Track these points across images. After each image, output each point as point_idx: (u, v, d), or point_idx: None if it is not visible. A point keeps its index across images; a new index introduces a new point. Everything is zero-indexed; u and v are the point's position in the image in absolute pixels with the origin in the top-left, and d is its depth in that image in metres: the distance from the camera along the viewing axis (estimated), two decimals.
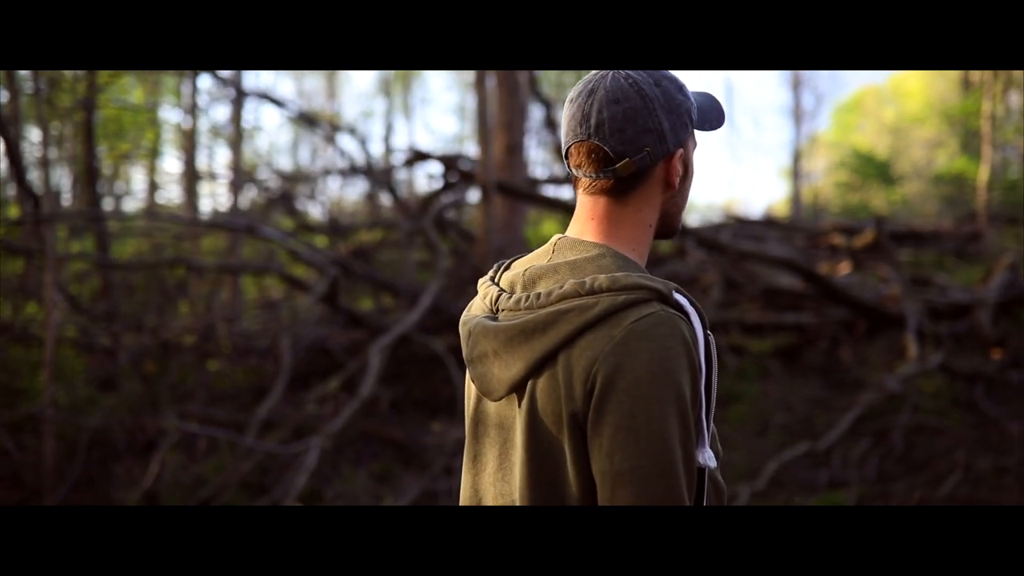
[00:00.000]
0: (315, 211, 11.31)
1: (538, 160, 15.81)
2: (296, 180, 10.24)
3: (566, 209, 9.17)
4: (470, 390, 1.48)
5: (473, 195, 9.74)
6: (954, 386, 7.46)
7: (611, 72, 1.35)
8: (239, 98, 9.06)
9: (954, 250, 12.98)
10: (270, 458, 6.01)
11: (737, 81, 62.12)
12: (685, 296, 1.26)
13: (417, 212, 8.40)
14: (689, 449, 1.19)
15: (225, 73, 8.56)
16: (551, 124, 10.16)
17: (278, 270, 7.40)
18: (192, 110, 10.45)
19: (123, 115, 9.14)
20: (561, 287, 1.26)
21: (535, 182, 10.31)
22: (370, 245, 8.85)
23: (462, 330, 1.39)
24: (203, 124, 10.94)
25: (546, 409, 1.24)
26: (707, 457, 1.23)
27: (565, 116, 1.39)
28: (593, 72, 1.38)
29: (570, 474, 1.23)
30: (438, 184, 9.06)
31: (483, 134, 7.68)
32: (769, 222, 14.68)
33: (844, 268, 9.51)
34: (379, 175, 8.87)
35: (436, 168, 10.29)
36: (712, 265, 8.35)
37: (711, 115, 1.43)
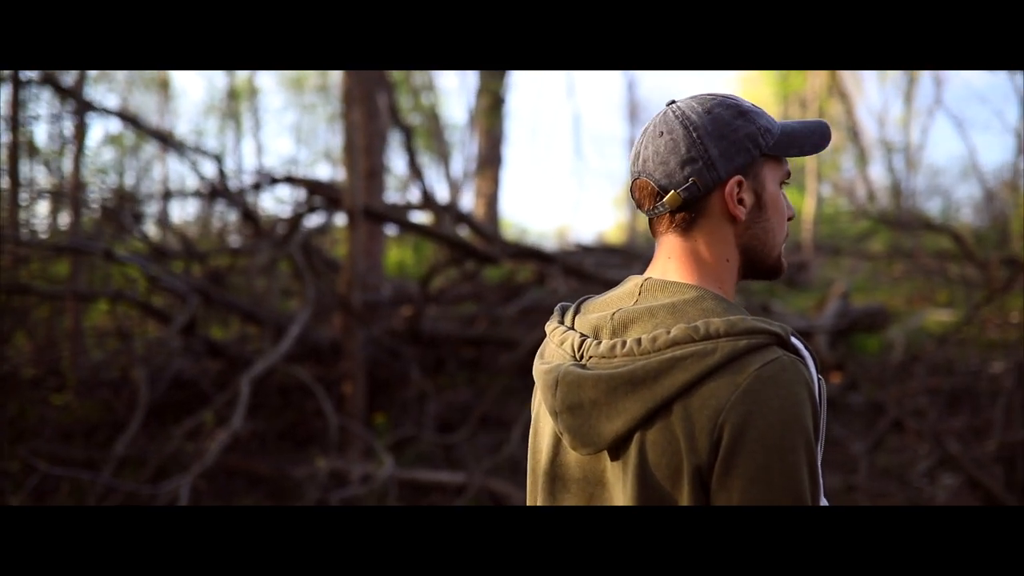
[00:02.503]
0: (154, 234, 10.73)
1: (391, 185, 15.65)
2: (138, 201, 9.69)
3: (428, 235, 9.12)
4: (540, 442, 1.40)
5: (325, 220, 9.53)
6: None
7: (669, 106, 1.34)
8: (79, 110, 8.50)
9: (784, 279, 13.76)
10: (129, 498, 5.62)
11: (584, 111, 64.37)
12: (799, 339, 1.22)
13: (281, 237, 8.11)
14: (816, 497, 1.15)
15: (59, 82, 7.99)
16: (410, 149, 10.09)
17: (133, 297, 6.96)
18: (12, 122, 9.69)
19: None
20: (668, 332, 1.19)
21: (394, 207, 10.19)
22: (224, 270, 8.47)
23: (545, 378, 1.30)
24: (29, 137, 10.15)
25: (659, 463, 1.16)
26: (824, 504, 1.21)
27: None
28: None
29: None
30: (295, 208, 8.77)
31: (349, 158, 7.50)
32: (613, 249, 15.05)
33: None
34: (235, 197, 8.51)
35: (289, 190, 10.02)
36: (583, 293, 8.47)
37: (799, 139, 1.35)
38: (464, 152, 18.05)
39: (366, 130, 9.14)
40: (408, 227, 9.20)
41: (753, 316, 1.20)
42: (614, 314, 1.29)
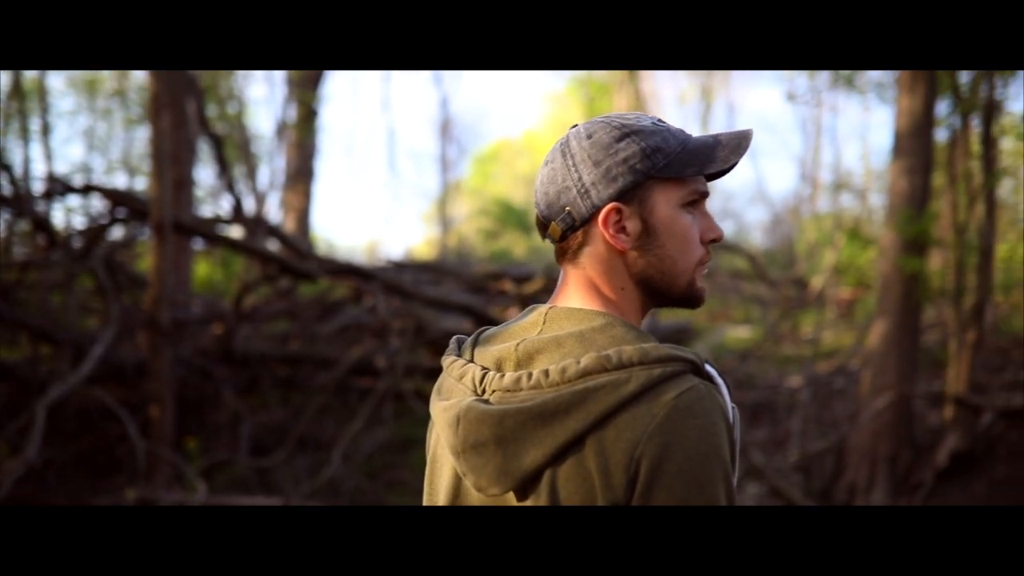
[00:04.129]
0: None
1: (202, 198, 14.96)
2: None
3: (243, 250, 8.78)
4: (438, 483, 1.31)
5: (128, 232, 8.99)
6: None
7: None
8: None
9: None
10: None
11: (399, 126, 64.20)
12: (712, 366, 1.18)
13: (80, 251, 7.54)
14: None
15: None
16: (221, 160, 9.66)
17: None
18: None
19: None
20: (578, 362, 1.12)
21: (204, 220, 9.73)
22: (11, 285, 7.76)
23: (444, 416, 1.21)
24: None
25: (572, 501, 1.10)
26: None
27: None
28: None
29: None
30: (97, 219, 8.19)
31: (157, 167, 7.09)
32: (425, 265, 14.97)
33: (512, 312, 10.01)
34: (24, 205, 7.85)
35: (83, 200, 9.37)
36: (401, 311, 8.37)
37: (702, 156, 1.26)
38: (272, 165, 17.54)
39: (174, 138, 8.70)
40: (220, 241, 8.80)
41: (668, 344, 1.16)
42: (518, 345, 1.22)
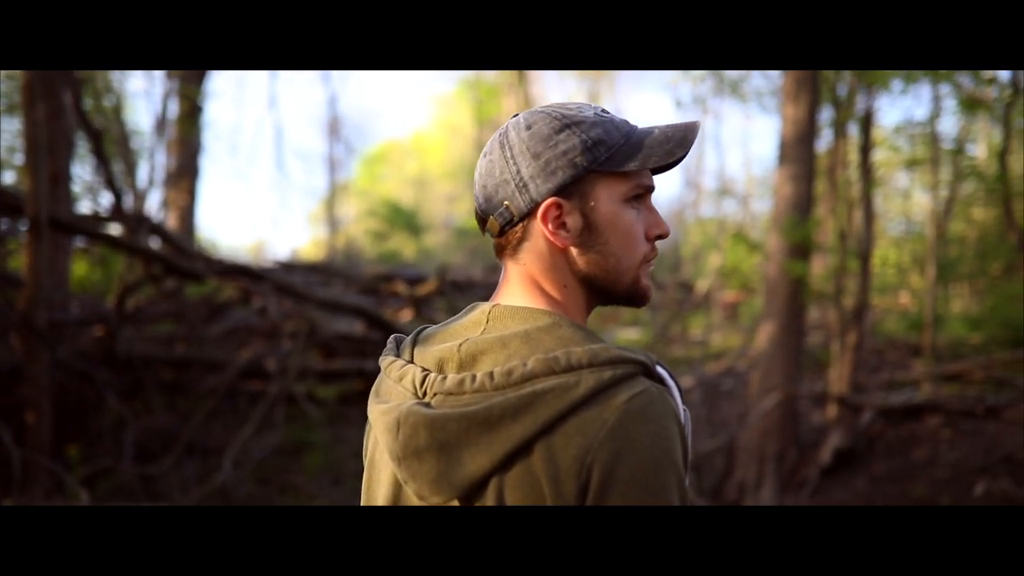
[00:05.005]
0: None
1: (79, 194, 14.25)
2: None
3: (128, 249, 8.43)
4: (376, 490, 1.26)
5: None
6: None
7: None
8: None
9: (485, 296, 14.15)
10: None
11: (287, 124, 62.75)
12: (664, 367, 1.15)
13: None
14: None
15: None
16: (99, 153, 9.24)
17: None
18: None
19: None
20: (525, 364, 1.08)
21: (83, 217, 9.29)
22: None
23: (384, 420, 1.15)
24: None
25: None
26: None
27: None
28: None
29: None
30: None
31: (32, 161, 6.74)
32: (313, 267, 14.71)
33: (407, 314, 9.92)
34: None
35: None
36: (292, 312, 8.19)
37: (645, 149, 1.20)
38: (153, 161, 16.91)
39: (50, 130, 8.28)
40: (101, 239, 8.43)
41: (617, 345, 1.13)
42: (461, 345, 1.17)
